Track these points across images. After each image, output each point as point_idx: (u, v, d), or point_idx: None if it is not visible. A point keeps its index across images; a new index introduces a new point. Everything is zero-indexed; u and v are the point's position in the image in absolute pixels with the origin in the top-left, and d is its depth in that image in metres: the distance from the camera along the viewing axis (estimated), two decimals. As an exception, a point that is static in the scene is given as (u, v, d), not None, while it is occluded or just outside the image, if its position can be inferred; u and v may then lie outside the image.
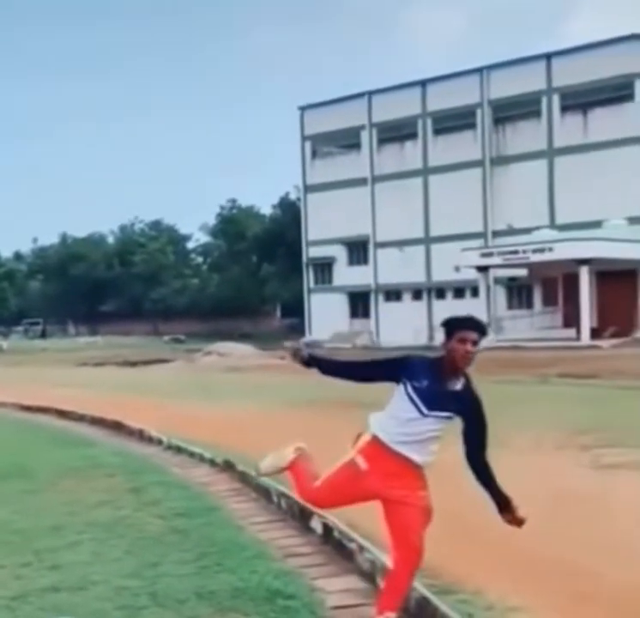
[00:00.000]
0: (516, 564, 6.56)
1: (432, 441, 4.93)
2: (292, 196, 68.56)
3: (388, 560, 5.23)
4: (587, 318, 40.29)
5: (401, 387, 4.90)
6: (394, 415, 4.91)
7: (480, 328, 4.84)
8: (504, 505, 4.93)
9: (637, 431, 12.69)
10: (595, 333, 40.35)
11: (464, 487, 10.04)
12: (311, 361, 5.07)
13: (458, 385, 4.85)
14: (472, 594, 5.64)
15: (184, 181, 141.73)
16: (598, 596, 5.79)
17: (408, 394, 4.83)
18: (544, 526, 7.68)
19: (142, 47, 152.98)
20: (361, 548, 6.28)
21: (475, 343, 4.78)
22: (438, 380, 4.82)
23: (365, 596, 5.65)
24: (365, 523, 7.53)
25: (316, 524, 7.34)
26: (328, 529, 7.06)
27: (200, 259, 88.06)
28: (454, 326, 4.84)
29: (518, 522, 4.95)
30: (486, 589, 5.71)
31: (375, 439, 4.93)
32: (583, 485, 9.25)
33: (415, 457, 4.88)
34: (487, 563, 6.55)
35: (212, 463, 11.18)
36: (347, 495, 5.08)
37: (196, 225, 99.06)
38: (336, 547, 6.77)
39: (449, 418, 4.87)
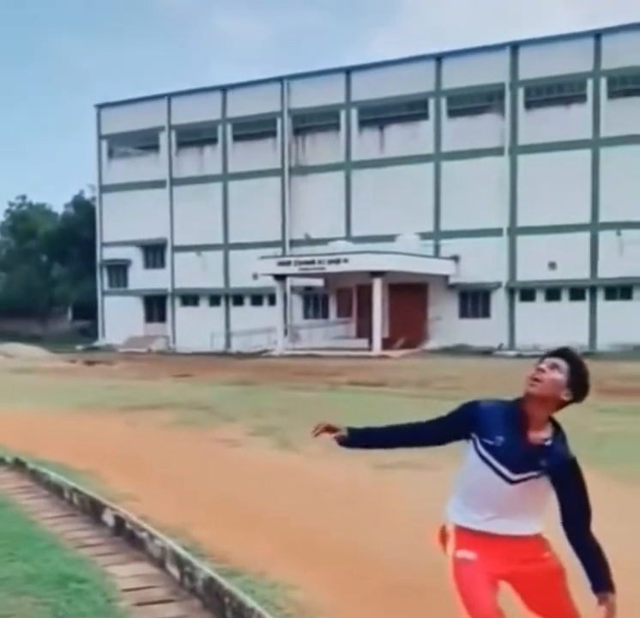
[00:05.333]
0: (297, 548, 7.02)
1: (534, 504, 3.83)
2: (87, 196, 67.09)
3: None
4: (379, 329, 41.46)
5: (471, 447, 3.84)
6: (471, 487, 3.86)
7: (565, 354, 3.81)
8: (600, 588, 3.66)
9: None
10: (387, 343, 41.64)
11: (254, 474, 10.48)
12: (352, 439, 3.89)
13: (545, 434, 3.78)
14: (256, 575, 6.04)
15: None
16: (369, 572, 6.30)
17: (482, 456, 3.79)
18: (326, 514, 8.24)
19: None
20: (152, 537, 6.52)
21: (555, 367, 3.75)
22: (518, 431, 3.76)
23: (154, 580, 5.95)
24: (157, 516, 7.81)
25: (107, 518, 7.52)
26: (119, 521, 7.26)
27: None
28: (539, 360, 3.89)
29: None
30: (269, 571, 6.13)
31: (461, 529, 3.87)
32: (347, 479, 9.87)
33: (517, 531, 3.82)
34: (271, 547, 6.97)
35: (1, 461, 11.07)
36: (490, 593, 3.70)
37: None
38: (128, 537, 6.99)
39: (537, 477, 3.75)
